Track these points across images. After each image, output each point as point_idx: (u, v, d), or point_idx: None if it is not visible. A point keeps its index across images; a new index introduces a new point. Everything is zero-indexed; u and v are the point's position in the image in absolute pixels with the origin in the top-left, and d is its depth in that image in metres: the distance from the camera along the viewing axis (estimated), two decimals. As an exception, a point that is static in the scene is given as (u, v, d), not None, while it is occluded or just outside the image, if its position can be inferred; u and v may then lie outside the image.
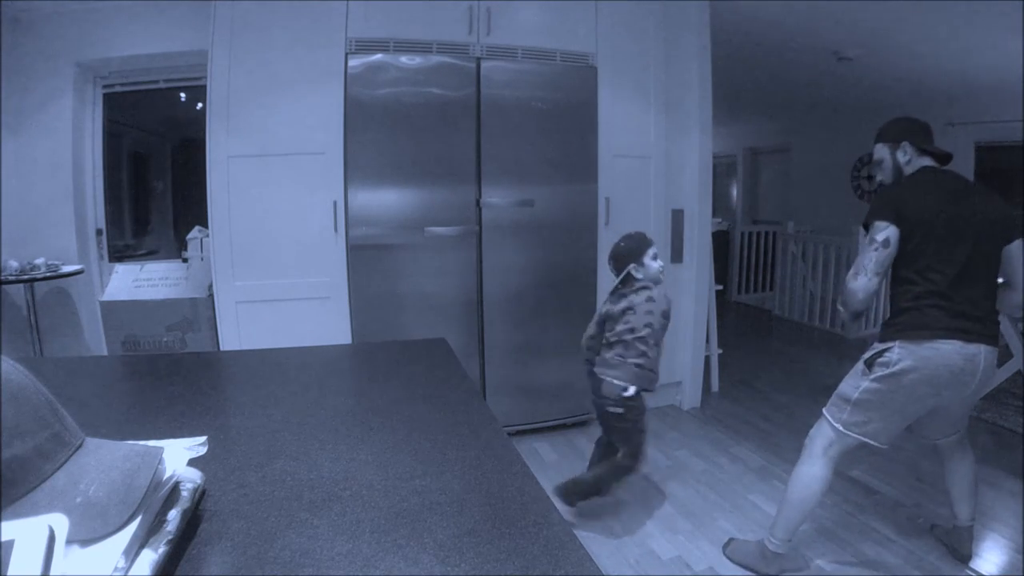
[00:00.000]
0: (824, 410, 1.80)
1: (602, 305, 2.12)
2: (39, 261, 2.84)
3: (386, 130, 2.54)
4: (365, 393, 1.04)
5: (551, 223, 2.79)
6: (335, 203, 2.55)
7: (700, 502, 2.28)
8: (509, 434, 0.81)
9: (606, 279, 2.93)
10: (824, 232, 5.57)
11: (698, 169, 3.21)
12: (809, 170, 6.93)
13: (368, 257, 2.60)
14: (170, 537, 0.51)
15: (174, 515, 0.53)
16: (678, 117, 3.13)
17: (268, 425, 0.84)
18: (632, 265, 2.04)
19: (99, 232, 3.23)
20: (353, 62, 2.49)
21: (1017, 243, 1.66)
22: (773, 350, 4.64)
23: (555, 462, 2.62)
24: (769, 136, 7.62)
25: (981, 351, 1.62)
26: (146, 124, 3.71)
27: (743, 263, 6.38)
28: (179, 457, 0.58)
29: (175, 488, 0.56)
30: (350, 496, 0.64)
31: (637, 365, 1.97)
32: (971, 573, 1.83)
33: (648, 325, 1.96)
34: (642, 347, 1.97)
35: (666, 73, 3.01)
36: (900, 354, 1.63)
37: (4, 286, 2.83)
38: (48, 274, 2.83)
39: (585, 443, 2.80)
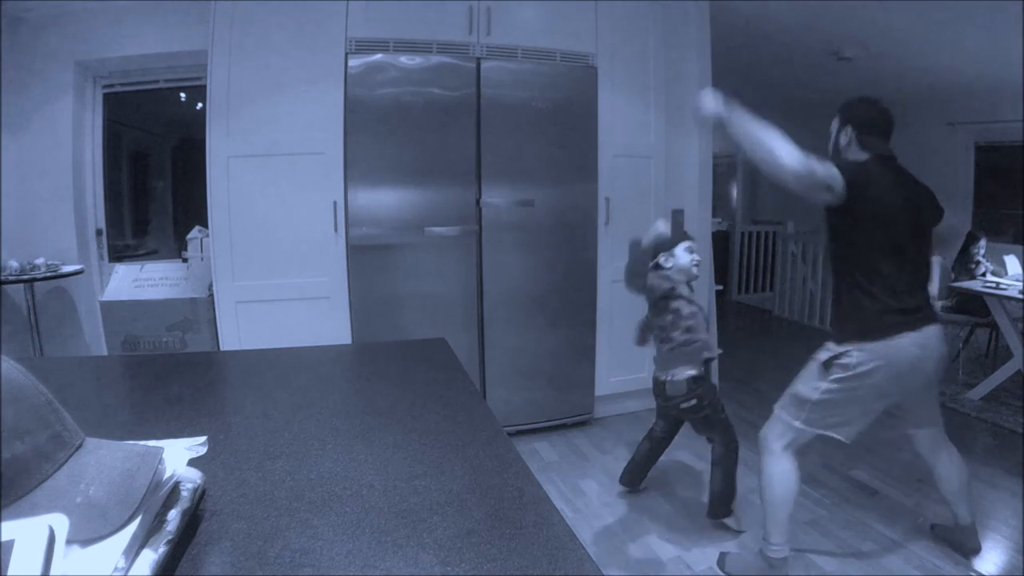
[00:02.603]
0: (778, 409, 1.80)
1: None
2: (39, 261, 2.84)
3: (386, 130, 2.54)
4: (365, 393, 1.04)
5: (551, 223, 2.79)
6: (335, 203, 2.55)
7: (700, 502, 2.27)
8: (509, 434, 0.81)
9: (606, 279, 2.93)
10: (824, 232, 5.56)
11: (698, 169, 3.22)
12: (809, 170, 6.92)
13: (368, 257, 2.60)
14: (170, 537, 0.51)
15: (174, 515, 0.53)
16: (678, 117, 3.13)
17: (268, 425, 0.84)
18: (662, 255, 2.07)
19: (99, 232, 3.23)
20: (353, 62, 2.49)
21: (943, 224, 1.76)
22: (773, 350, 4.64)
23: (555, 462, 2.62)
24: (769, 136, 7.61)
25: (932, 333, 1.67)
26: (146, 124, 3.71)
27: (743, 263, 6.38)
28: (179, 457, 0.58)
29: (175, 488, 0.56)
30: (350, 496, 0.64)
31: (683, 350, 2.00)
32: (972, 573, 1.83)
33: (689, 317, 2.02)
34: (684, 336, 2.01)
35: (666, 73, 3.01)
36: (860, 357, 1.64)
37: (4, 286, 2.83)
38: (48, 274, 2.83)
39: (585, 443, 2.80)
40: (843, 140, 1.76)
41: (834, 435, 1.71)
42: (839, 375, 1.66)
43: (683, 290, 2.04)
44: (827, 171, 1.54)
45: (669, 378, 2.02)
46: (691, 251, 2.09)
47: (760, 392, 3.55)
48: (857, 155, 1.73)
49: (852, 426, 1.71)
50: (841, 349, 1.67)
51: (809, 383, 1.73)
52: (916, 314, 1.66)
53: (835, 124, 1.81)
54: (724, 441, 2.07)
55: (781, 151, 1.53)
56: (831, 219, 1.69)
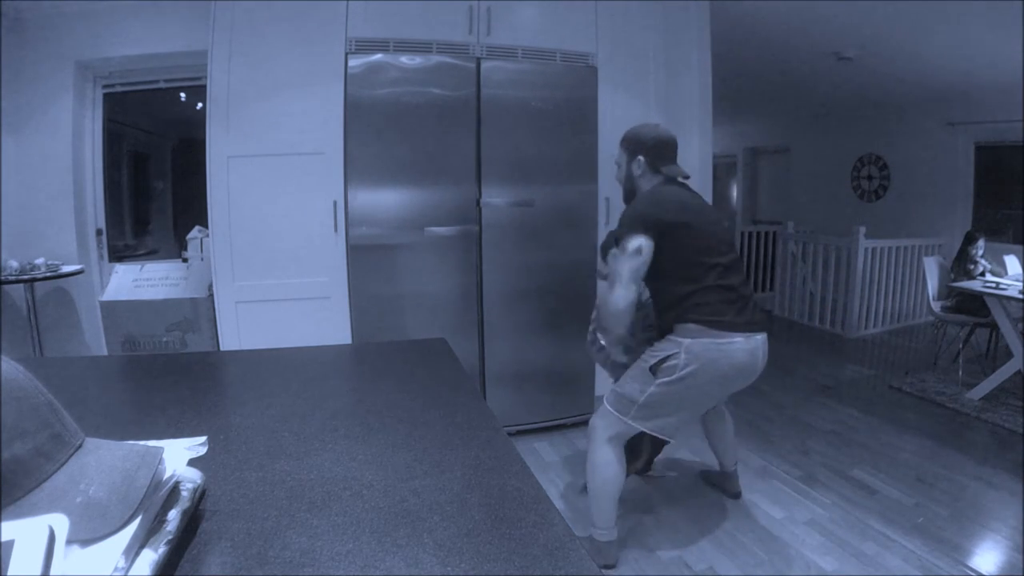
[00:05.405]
0: (607, 403, 1.84)
1: None
2: (39, 261, 2.84)
3: (386, 130, 2.54)
4: (365, 393, 1.04)
5: (551, 223, 2.79)
6: (335, 203, 2.55)
7: (700, 502, 2.27)
8: (509, 434, 0.81)
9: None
10: (824, 232, 5.57)
11: (698, 169, 3.21)
12: (809, 170, 6.93)
13: (368, 257, 2.60)
14: (170, 537, 0.51)
15: (174, 515, 0.53)
16: (678, 117, 3.13)
17: (268, 425, 0.84)
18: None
19: (99, 232, 3.23)
20: (353, 62, 2.49)
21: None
22: (773, 349, 4.62)
23: (555, 462, 2.62)
24: (769, 136, 7.63)
25: (760, 342, 1.78)
26: (146, 124, 3.71)
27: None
28: (179, 457, 0.58)
29: (175, 488, 0.56)
30: (350, 496, 0.64)
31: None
32: (971, 573, 1.84)
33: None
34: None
35: (666, 73, 3.01)
36: (687, 359, 1.68)
37: (4, 286, 2.83)
38: (48, 274, 2.83)
39: (585, 443, 2.80)
40: (636, 170, 1.89)
41: (658, 435, 1.79)
42: (665, 379, 1.70)
43: None
44: (633, 266, 1.65)
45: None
46: None
47: (761, 392, 3.55)
48: (650, 181, 1.88)
49: (675, 426, 1.79)
50: (667, 352, 1.71)
51: (636, 384, 1.77)
52: (748, 317, 1.73)
53: (622, 156, 1.93)
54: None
55: (615, 315, 1.69)
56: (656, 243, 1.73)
